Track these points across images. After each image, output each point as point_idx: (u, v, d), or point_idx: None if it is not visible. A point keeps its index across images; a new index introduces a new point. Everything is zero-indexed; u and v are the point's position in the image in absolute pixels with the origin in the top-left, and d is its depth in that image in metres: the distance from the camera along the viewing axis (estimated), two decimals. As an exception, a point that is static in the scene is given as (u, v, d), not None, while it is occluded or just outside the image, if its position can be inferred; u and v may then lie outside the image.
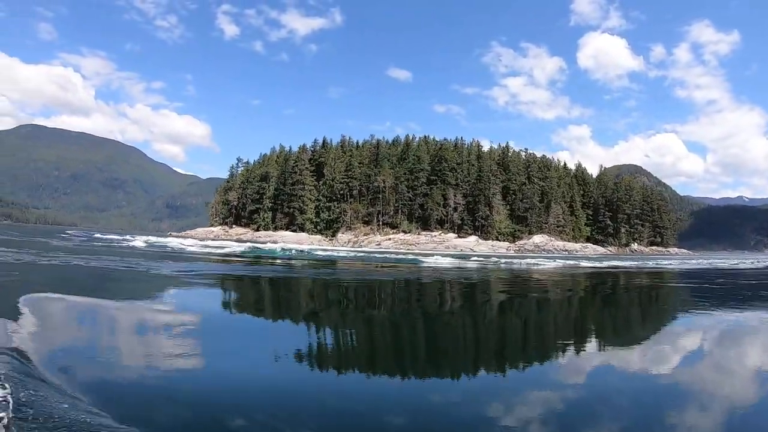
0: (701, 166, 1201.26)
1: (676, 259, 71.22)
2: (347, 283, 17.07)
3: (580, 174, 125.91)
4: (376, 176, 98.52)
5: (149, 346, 6.42)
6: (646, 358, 7.00)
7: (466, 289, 17.14)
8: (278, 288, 15.63)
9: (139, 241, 41.13)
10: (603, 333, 9.34)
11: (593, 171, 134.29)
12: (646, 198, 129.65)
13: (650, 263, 47.21)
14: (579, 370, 6.12)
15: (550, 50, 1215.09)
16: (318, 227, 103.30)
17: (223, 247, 37.09)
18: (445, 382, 5.61)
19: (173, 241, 45.17)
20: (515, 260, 38.00)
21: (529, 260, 40.36)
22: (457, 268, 27.70)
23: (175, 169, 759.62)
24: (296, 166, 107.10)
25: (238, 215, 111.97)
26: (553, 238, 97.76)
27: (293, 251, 38.25)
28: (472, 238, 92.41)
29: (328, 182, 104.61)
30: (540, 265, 34.19)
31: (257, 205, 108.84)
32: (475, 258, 37.79)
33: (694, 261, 59.30)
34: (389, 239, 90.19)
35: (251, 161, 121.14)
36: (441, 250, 78.87)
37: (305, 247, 52.18)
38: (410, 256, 41.70)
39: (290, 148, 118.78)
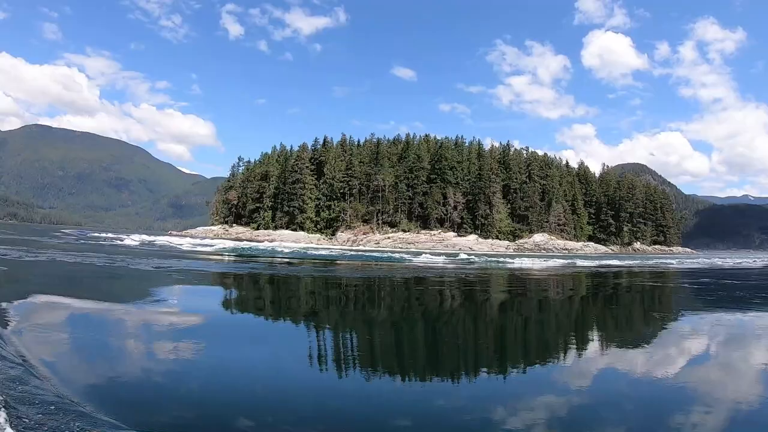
0: (706, 165, 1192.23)
1: (676, 258, 70.52)
2: (312, 280, 17.65)
3: (582, 173, 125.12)
4: (376, 175, 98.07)
5: (126, 341, 6.71)
6: (635, 360, 6.84)
7: (432, 287, 16.92)
8: (241, 282, 16.27)
9: (132, 240, 41.28)
10: (586, 336, 9.09)
11: (597, 170, 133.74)
12: (649, 196, 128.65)
13: (648, 262, 46.80)
14: (568, 373, 6.02)
15: (555, 49, 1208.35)
16: (318, 226, 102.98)
17: (212, 245, 36.81)
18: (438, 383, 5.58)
19: (167, 240, 45.03)
20: (508, 259, 37.55)
21: (524, 259, 39.95)
22: (441, 266, 27.41)
23: (179, 168, 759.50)
24: (296, 165, 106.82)
25: (238, 214, 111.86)
26: (553, 237, 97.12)
27: (283, 250, 37.89)
28: (472, 237, 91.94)
29: (328, 181, 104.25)
30: (530, 264, 33.82)
31: (257, 204, 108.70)
32: (465, 256, 37.26)
33: (693, 260, 58.75)
34: (388, 238, 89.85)
35: (253, 160, 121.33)
36: (440, 249, 78.51)
37: (297, 246, 51.98)
38: (398, 255, 41.74)
39: (291, 147, 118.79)
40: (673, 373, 6.05)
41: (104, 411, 3.83)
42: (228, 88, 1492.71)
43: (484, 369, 6.21)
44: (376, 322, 9.73)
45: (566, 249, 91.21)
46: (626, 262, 44.63)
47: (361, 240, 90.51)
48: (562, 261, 38.99)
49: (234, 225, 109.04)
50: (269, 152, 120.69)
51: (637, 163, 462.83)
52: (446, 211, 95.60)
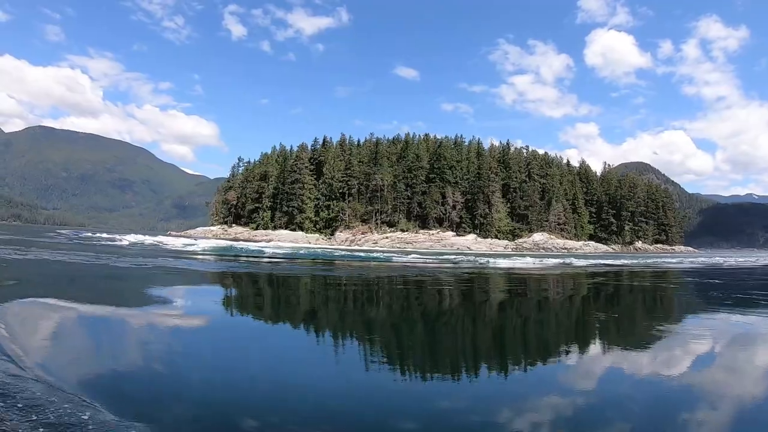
0: (710, 164, 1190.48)
1: (677, 257, 69.88)
2: (281, 278, 17.95)
3: (584, 171, 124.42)
4: (375, 175, 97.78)
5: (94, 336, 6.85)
6: (616, 362, 6.67)
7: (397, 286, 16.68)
8: (210, 279, 17.01)
9: (125, 240, 41.33)
10: (558, 339, 8.83)
11: (600, 169, 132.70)
12: (651, 195, 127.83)
13: (643, 261, 46.33)
14: (546, 376, 5.89)
15: (558, 48, 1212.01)
16: (317, 226, 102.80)
17: (202, 245, 36.61)
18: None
19: (160, 240, 44.87)
20: (499, 259, 37.14)
21: (516, 258, 39.60)
22: (421, 265, 27.16)
23: (183, 169, 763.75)
24: (295, 165, 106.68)
25: (237, 215, 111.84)
26: (553, 237, 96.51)
27: (273, 250, 37.69)
28: (471, 237, 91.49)
29: (327, 181, 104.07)
30: (521, 263, 33.47)
31: (256, 205, 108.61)
32: (453, 256, 36.95)
33: (693, 259, 58.15)
34: (386, 238, 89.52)
35: (253, 161, 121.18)
36: (438, 249, 78.19)
37: (289, 246, 51.75)
38: (386, 255, 41.60)
39: (291, 147, 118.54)
40: (660, 375, 5.89)
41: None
42: (231, 88, 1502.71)
43: (479, 368, 6.16)
44: (336, 317, 9.91)
45: (565, 248, 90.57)
46: (621, 261, 44.13)
47: (359, 240, 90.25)
48: (554, 260, 38.55)
49: (233, 225, 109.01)
50: (269, 152, 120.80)
51: (641, 162, 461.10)
52: (445, 210, 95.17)
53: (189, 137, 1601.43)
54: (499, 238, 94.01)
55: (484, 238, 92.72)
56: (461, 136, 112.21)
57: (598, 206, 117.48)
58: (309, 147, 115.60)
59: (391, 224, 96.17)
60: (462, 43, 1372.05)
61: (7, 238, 37.33)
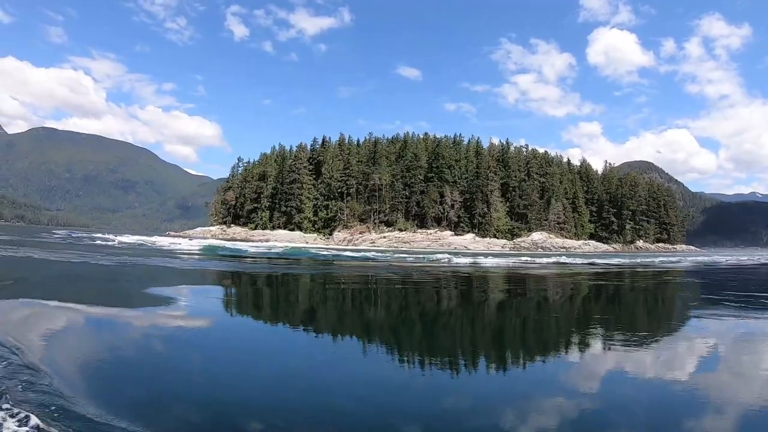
0: (713, 162, 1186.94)
1: (676, 256, 69.27)
2: (247, 275, 18.34)
3: (584, 170, 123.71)
4: (373, 174, 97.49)
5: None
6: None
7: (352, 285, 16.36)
8: (186, 276, 17.19)
9: (114, 240, 41.32)
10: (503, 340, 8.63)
11: (602, 168, 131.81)
12: (652, 194, 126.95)
13: (639, 260, 45.84)
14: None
15: (560, 47, 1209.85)
16: (316, 226, 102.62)
17: (191, 245, 36.38)
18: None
19: (153, 240, 44.60)
20: (481, 257, 36.75)
21: (507, 258, 39.16)
22: (397, 265, 26.87)
23: (186, 170, 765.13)
24: (294, 165, 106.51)
25: (236, 215, 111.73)
26: (552, 236, 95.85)
27: (254, 249, 37.52)
28: (469, 236, 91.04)
29: (326, 181, 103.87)
30: (505, 262, 33.11)
31: (255, 205, 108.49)
32: (440, 255, 36.52)
33: (691, 258, 57.60)
34: (384, 237, 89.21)
35: (253, 161, 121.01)
36: (435, 248, 77.68)
37: (281, 245, 51.44)
38: (374, 254, 41.24)
39: (291, 147, 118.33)
40: (636, 377, 5.71)
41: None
42: (233, 89, 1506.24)
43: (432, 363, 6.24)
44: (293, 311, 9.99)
45: (564, 247, 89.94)
46: (614, 260, 43.46)
47: (357, 240, 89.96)
48: (546, 260, 38.16)
49: (232, 225, 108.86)
50: (268, 153, 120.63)
51: (644, 161, 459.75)
52: (443, 210, 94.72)
53: (192, 138, 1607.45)
54: (497, 238, 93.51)
55: (483, 237, 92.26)
56: (460, 135, 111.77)
57: (599, 205, 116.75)
58: (308, 147, 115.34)
59: (389, 224, 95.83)
60: (464, 42, 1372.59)
61: (6, 238, 37.69)
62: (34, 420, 3.41)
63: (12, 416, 3.48)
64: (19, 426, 3.35)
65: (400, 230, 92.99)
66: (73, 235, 52.59)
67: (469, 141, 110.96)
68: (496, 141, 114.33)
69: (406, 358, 6.41)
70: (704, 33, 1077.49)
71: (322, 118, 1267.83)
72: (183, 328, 7.85)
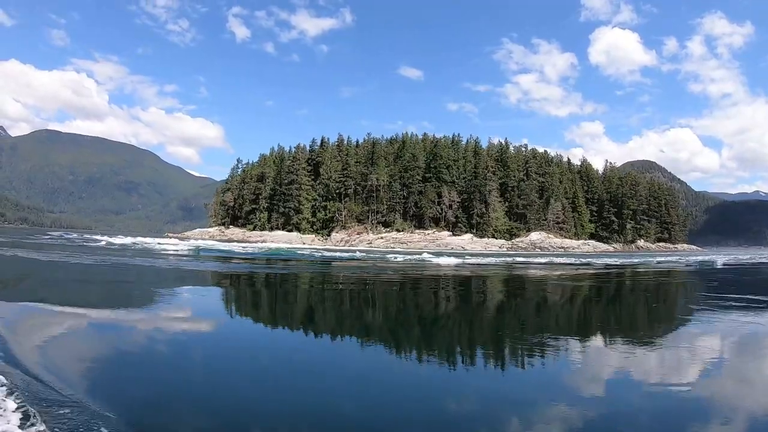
0: (717, 161, 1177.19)
1: (676, 255, 68.69)
2: (218, 274, 18.72)
3: (585, 170, 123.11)
4: (371, 175, 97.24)
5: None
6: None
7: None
8: (159, 274, 17.37)
9: (102, 240, 41.51)
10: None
11: (603, 167, 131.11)
12: (653, 193, 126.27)
13: (634, 260, 45.41)
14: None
15: (562, 46, 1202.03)
16: (314, 227, 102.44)
17: (179, 245, 36.20)
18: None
19: (145, 241, 44.43)
20: (478, 259, 36.44)
21: (497, 258, 38.85)
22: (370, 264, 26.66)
23: (189, 171, 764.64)
24: (292, 166, 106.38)
25: (235, 216, 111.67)
26: (550, 236, 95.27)
27: (241, 250, 37.41)
28: (467, 236, 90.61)
29: (324, 182, 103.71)
30: (487, 262, 32.81)
31: (253, 206, 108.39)
32: (427, 256, 36.26)
33: (689, 258, 56.96)
34: (381, 238, 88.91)
35: (253, 162, 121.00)
36: (432, 249, 77.26)
37: (275, 246, 51.30)
38: (359, 254, 41.45)
39: (290, 148, 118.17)
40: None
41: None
42: (236, 90, 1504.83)
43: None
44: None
45: (562, 247, 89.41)
46: (605, 260, 42.96)
47: (354, 240, 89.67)
48: (539, 260, 37.82)
49: (230, 227, 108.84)
50: (267, 154, 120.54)
51: (647, 160, 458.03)
52: (441, 210, 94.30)
53: (194, 139, 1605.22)
54: (496, 238, 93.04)
55: (481, 237, 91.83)
56: (458, 134, 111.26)
57: (600, 205, 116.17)
58: (307, 148, 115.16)
59: (387, 224, 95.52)
60: (466, 42, 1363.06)
61: (1, 240, 38.48)
62: None
63: None
64: None
65: (398, 231, 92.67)
66: (65, 236, 52.92)
67: (467, 141, 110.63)
68: (495, 141, 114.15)
69: (350, 354, 6.62)
70: (706, 32, 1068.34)
71: (325, 118, 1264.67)
72: (133, 325, 7.91)
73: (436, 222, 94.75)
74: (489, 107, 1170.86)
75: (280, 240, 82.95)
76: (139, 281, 14.95)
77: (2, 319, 7.39)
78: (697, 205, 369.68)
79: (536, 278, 21.30)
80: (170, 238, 72.30)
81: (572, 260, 38.73)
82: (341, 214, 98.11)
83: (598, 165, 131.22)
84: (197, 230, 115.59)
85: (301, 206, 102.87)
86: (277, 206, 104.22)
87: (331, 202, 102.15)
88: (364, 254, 40.95)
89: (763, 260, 47.74)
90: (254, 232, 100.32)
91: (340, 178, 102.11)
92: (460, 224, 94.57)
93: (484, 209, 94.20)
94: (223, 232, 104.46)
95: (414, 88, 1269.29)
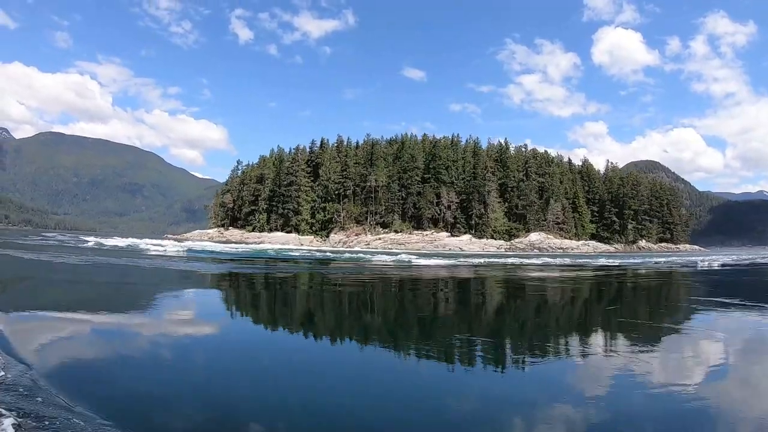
0: (720, 161, 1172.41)
1: (676, 256, 68.10)
2: (194, 273, 18.83)
3: (585, 170, 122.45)
4: (369, 176, 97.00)
5: None
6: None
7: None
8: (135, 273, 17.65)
9: (90, 242, 41.75)
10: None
11: (604, 167, 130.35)
12: (655, 193, 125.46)
13: (628, 261, 44.93)
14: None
15: (565, 46, 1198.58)
16: (313, 228, 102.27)
17: (167, 247, 35.92)
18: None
19: (136, 242, 44.21)
20: (465, 260, 36.06)
21: (488, 259, 38.46)
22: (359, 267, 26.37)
23: (192, 173, 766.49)
24: (291, 167, 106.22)
25: (234, 217, 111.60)
26: (550, 236, 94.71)
27: (237, 251, 37.12)
28: (465, 237, 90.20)
29: (323, 183, 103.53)
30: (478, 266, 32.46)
31: (252, 207, 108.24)
32: (404, 255, 35.97)
33: (686, 258, 56.43)
34: (379, 239, 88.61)
35: (253, 164, 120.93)
36: (431, 249, 77.08)
37: (269, 247, 51.11)
38: (347, 255, 41.09)
39: (290, 149, 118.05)
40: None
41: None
42: (239, 92, 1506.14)
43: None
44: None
45: (561, 248, 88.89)
46: (600, 261, 42.42)
47: (352, 241, 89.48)
48: (535, 260, 37.41)
49: (230, 228, 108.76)
50: (267, 155, 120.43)
51: (650, 161, 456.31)
52: (440, 211, 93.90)
53: (198, 141, 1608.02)
54: (494, 239, 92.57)
55: (480, 238, 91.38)
56: (458, 135, 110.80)
57: (601, 205, 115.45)
58: (307, 149, 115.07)
59: (386, 225, 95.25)
60: (468, 43, 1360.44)
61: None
62: None
63: None
64: None
65: (396, 232, 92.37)
66: (58, 238, 53.23)
67: (466, 141, 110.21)
68: (495, 141, 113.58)
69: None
70: (709, 31, 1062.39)
71: (328, 119, 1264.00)
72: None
73: (435, 223, 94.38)
74: (492, 108, 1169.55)
75: (277, 241, 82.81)
76: (106, 279, 15.03)
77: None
78: (701, 205, 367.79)
79: (510, 280, 20.82)
80: (168, 239, 72.28)
81: (566, 261, 38.30)
82: (340, 216, 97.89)
83: (601, 165, 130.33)
84: (196, 232, 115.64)
85: (300, 207, 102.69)
86: (276, 207, 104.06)
87: (330, 203, 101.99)
88: (355, 255, 40.52)
89: (760, 261, 47.18)
90: (252, 233, 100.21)
91: (339, 179, 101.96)
92: (458, 225, 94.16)
93: (482, 210, 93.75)
94: (222, 233, 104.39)
95: (417, 89, 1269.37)
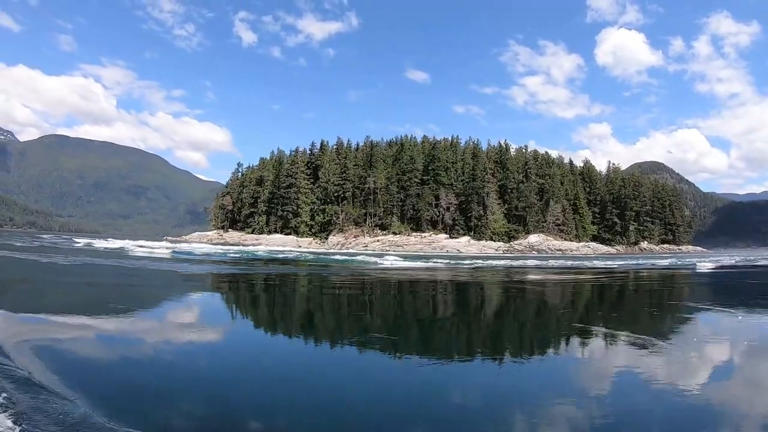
0: (725, 162, 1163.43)
1: (675, 257, 67.48)
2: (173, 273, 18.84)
3: (587, 171, 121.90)
4: (368, 178, 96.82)
5: None
6: None
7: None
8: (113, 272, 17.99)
9: (80, 243, 42.01)
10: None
11: (606, 168, 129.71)
12: (657, 194, 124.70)
13: (625, 262, 44.52)
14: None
15: (568, 48, 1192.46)
16: (312, 230, 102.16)
17: (157, 248, 35.86)
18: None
19: (128, 244, 44.13)
20: (433, 260, 35.75)
21: (473, 262, 38.10)
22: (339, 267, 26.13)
23: (197, 175, 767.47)
24: (291, 169, 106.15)
25: (234, 219, 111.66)
26: (550, 238, 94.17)
27: (229, 253, 37.10)
28: (464, 239, 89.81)
29: (322, 185, 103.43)
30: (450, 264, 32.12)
31: (252, 209, 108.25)
32: (389, 257, 35.73)
33: (685, 259, 55.89)
34: (377, 241, 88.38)
35: (253, 166, 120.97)
36: (429, 251, 76.75)
37: (263, 249, 50.97)
38: (356, 257, 40.56)
39: (290, 152, 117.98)
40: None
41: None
42: (243, 94, 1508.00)
43: None
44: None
45: (560, 250, 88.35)
46: (596, 263, 42.04)
47: (351, 243, 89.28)
48: (533, 262, 37.05)
49: (229, 230, 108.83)
50: (267, 158, 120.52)
51: (655, 162, 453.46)
52: (439, 212, 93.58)
53: (202, 144, 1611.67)
54: (494, 240, 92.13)
55: (479, 240, 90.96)
56: (457, 136, 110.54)
57: (602, 206, 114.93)
58: (307, 151, 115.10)
59: (384, 227, 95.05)
60: (472, 44, 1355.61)
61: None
62: None
63: None
64: None
65: (394, 234, 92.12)
66: (50, 239, 53.54)
67: (466, 143, 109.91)
68: (495, 143, 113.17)
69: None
70: (712, 31, 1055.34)
71: (332, 121, 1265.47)
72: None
73: (434, 225, 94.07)
74: (496, 109, 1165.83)
75: (275, 243, 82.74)
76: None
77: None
78: (706, 206, 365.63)
79: (486, 282, 20.46)
80: (168, 241, 72.42)
81: (557, 263, 37.89)
82: (339, 218, 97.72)
83: (603, 167, 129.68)
84: (195, 234, 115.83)
85: (299, 210, 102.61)
86: (276, 210, 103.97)
87: (330, 205, 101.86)
88: (347, 257, 40.32)
89: (761, 263, 46.57)
90: (251, 235, 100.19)
91: (338, 181, 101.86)
92: (457, 227, 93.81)
93: (482, 212, 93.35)
94: (221, 235, 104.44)
95: (420, 91, 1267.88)
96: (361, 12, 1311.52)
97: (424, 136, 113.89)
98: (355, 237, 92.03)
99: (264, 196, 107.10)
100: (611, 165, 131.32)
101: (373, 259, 34.43)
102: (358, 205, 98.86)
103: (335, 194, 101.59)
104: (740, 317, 10.47)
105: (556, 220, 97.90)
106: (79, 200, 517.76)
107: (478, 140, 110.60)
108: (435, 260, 36.62)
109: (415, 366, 6.33)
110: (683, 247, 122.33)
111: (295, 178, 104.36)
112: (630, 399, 5.04)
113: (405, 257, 40.16)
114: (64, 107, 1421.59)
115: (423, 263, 32.19)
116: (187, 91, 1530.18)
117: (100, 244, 42.55)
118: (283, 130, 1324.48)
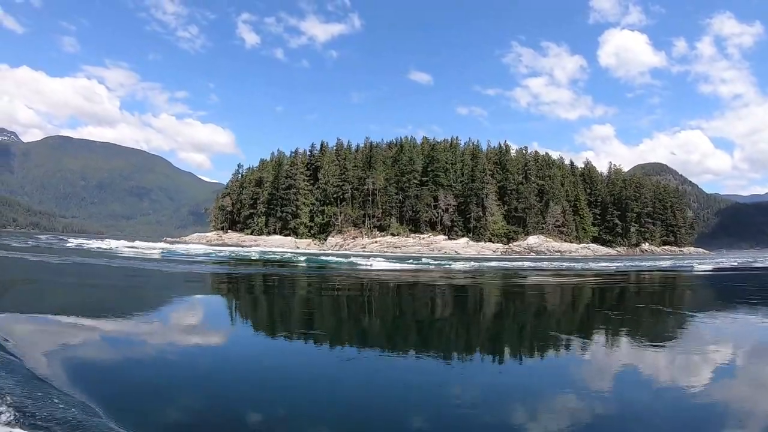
0: (728, 163, 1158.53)
1: (673, 259, 67.06)
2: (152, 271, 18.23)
3: (587, 172, 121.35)
4: (367, 179, 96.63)
5: None
6: None
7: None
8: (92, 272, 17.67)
9: (71, 243, 42.17)
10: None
11: (607, 170, 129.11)
12: (658, 196, 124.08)
13: (627, 264, 44.20)
14: None
15: (571, 49, 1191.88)
16: (312, 231, 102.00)
17: (149, 249, 35.73)
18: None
19: (122, 244, 43.97)
20: (456, 263, 35.48)
21: (464, 264, 37.82)
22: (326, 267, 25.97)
23: (200, 177, 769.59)
24: (290, 170, 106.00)
25: (233, 220, 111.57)
26: (549, 239, 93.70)
27: (221, 254, 36.95)
28: (462, 240, 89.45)
29: (322, 186, 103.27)
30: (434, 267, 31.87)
31: (251, 210, 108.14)
32: (373, 258, 35.49)
33: (682, 261, 55.52)
34: (375, 242, 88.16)
35: (254, 167, 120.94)
36: (427, 253, 76.38)
37: (257, 249, 50.77)
38: (345, 258, 40.29)
39: (290, 153, 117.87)
40: None
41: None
42: (246, 96, 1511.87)
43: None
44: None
45: (559, 251, 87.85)
46: (592, 265, 41.69)
47: (349, 244, 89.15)
48: (524, 264, 36.79)
49: (228, 231, 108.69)
50: (267, 159, 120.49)
51: (658, 163, 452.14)
52: (437, 214, 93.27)
53: (205, 145, 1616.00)
54: (493, 242, 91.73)
55: (477, 241, 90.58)
56: (457, 137, 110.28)
57: (603, 208, 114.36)
58: (307, 152, 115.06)
59: (383, 228, 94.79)
60: (475, 46, 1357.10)
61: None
62: None
63: None
64: None
65: (393, 235, 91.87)
66: (51, 239, 53.99)
67: (465, 144, 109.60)
68: (495, 144, 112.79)
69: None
70: (716, 32, 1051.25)
71: (335, 123, 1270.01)
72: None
73: (433, 226, 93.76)
74: (499, 111, 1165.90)
75: (273, 244, 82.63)
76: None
77: None
78: (709, 207, 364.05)
79: (459, 284, 20.13)
80: (165, 242, 72.45)
81: (554, 265, 37.59)
82: (338, 219, 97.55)
83: (605, 168, 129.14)
84: (195, 235, 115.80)
85: (298, 211, 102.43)
86: (275, 211, 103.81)
87: (329, 206, 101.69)
88: (334, 258, 40.17)
89: (759, 265, 46.22)
90: (249, 236, 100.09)
91: (337, 182, 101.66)
92: (456, 228, 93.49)
93: (480, 213, 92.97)
94: (220, 236, 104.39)
95: (423, 92, 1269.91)
96: (364, 14, 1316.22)
97: (424, 137, 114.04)
98: (353, 238, 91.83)
99: (263, 197, 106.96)
100: (612, 166, 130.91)
101: (362, 261, 34.11)
102: (357, 207, 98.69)
103: (334, 195, 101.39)
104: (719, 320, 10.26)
105: (556, 221, 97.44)
106: (83, 201, 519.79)
107: (477, 141, 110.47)
108: (423, 262, 36.24)
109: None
110: (684, 249, 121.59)
111: (295, 180, 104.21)
112: (626, 398, 5.11)
113: (394, 259, 39.75)
114: (67, 108, 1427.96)
115: (408, 265, 31.83)
116: (190, 93, 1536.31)
117: (92, 244, 42.47)
118: (286, 131, 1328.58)
